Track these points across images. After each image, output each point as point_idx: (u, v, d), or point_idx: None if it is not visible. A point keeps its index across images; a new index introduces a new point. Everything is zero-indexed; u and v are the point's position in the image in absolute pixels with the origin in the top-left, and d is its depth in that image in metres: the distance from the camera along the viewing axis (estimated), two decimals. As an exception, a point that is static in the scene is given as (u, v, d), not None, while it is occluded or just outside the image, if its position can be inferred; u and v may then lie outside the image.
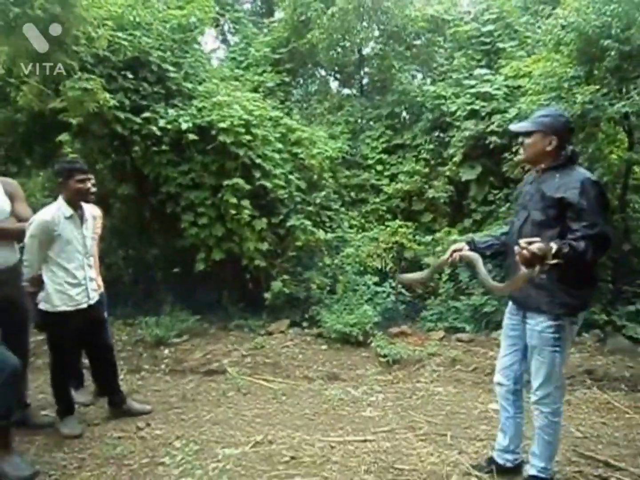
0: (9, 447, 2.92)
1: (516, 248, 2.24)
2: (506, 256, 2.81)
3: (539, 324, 2.54)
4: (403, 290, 6.10)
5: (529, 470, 2.77)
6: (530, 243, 2.19)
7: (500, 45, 6.90)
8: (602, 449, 3.25)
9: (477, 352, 5.09)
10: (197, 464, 3.02)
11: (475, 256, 2.71)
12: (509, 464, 2.89)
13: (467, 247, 2.80)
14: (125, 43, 5.18)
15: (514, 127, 2.82)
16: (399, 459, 3.15)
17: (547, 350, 2.53)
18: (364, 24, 7.29)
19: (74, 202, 3.38)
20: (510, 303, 2.83)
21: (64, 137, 5.52)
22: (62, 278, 3.31)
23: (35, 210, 3.41)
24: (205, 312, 5.99)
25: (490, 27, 7.00)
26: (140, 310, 5.88)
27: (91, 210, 3.65)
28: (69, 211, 3.33)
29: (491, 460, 2.96)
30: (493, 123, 5.95)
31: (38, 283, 3.32)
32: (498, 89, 6.25)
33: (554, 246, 2.24)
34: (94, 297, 3.51)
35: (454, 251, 2.80)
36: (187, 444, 3.27)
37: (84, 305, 3.42)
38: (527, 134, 2.67)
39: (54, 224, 3.23)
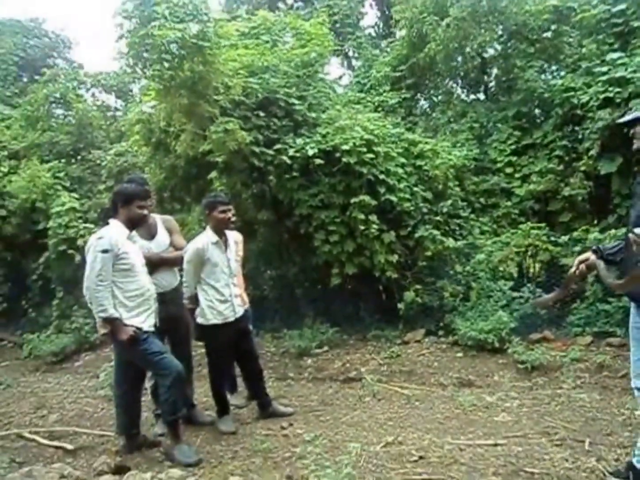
0: (178, 438, 3.51)
1: (630, 236, 2.18)
2: (625, 251, 2.69)
3: (659, 322, 2.41)
4: (543, 294, 5.84)
5: (672, 477, 2.59)
6: None
7: (635, 23, 6.31)
8: None
9: (628, 357, 4.67)
10: (331, 459, 3.30)
11: (596, 261, 2.66)
12: (650, 471, 2.72)
13: (593, 256, 2.74)
14: (256, 86, 5.84)
15: (620, 120, 2.75)
16: (530, 463, 3.12)
17: (671, 351, 2.38)
18: (482, 28, 7.20)
19: (219, 230, 3.94)
20: (632, 302, 2.70)
21: (213, 174, 6.38)
22: (212, 296, 3.88)
23: (189, 240, 4.08)
24: (343, 324, 6.34)
25: (621, 6, 6.44)
26: (285, 324, 6.44)
27: (234, 236, 4.21)
28: (215, 238, 3.90)
29: (631, 466, 2.80)
30: (631, 109, 5.48)
31: (195, 301, 3.94)
32: (635, 71, 5.74)
33: None
34: (240, 311, 4.03)
35: (580, 262, 2.76)
36: (324, 442, 3.57)
37: (231, 319, 3.95)
38: (636, 121, 2.59)
39: (204, 250, 3.82)
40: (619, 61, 6.04)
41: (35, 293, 8.16)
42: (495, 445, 3.39)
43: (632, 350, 2.75)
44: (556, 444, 3.34)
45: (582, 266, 2.76)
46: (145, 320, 3.46)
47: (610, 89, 5.91)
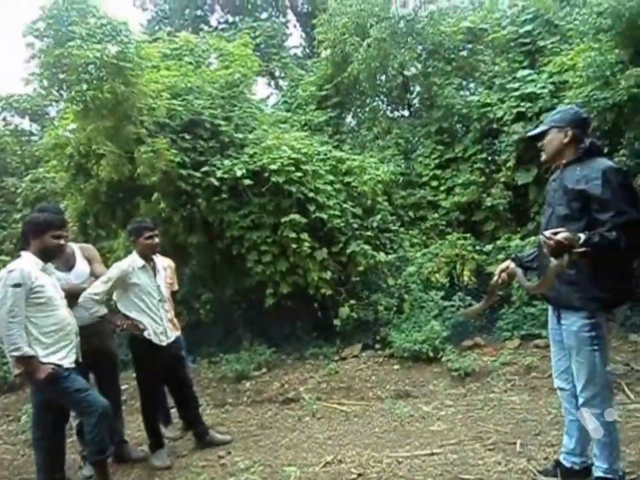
0: (107, 479, 3.30)
1: (540, 237, 2.29)
2: (539, 255, 2.82)
3: (573, 324, 2.54)
4: (473, 302, 6.04)
5: (595, 472, 2.69)
6: (555, 234, 2.25)
7: (541, 43, 6.80)
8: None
9: (553, 357, 4.92)
10: (270, 485, 3.24)
11: (515, 268, 2.82)
12: (576, 467, 2.83)
13: (513, 264, 2.86)
14: (180, 108, 5.74)
15: (530, 133, 2.93)
16: (465, 469, 3.17)
17: (586, 350, 2.51)
18: (402, 47, 7.47)
19: (145, 255, 3.81)
20: (549, 305, 2.84)
21: (138, 199, 6.17)
22: (144, 320, 3.72)
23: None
24: (281, 345, 6.28)
25: (528, 27, 6.93)
26: (222, 348, 6.28)
27: (162, 262, 4.08)
28: (141, 262, 3.76)
29: (558, 464, 2.91)
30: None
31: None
32: (543, 87, 6.16)
33: (582, 236, 2.28)
34: (172, 336, 3.90)
35: (502, 271, 2.88)
36: (263, 469, 3.49)
37: (164, 343, 3.81)
38: (543, 134, 2.75)
39: (127, 271, 3.68)
40: (529, 77, 6.46)
41: (-54, 333, 7.51)
42: (432, 454, 3.43)
43: (552, 352, 2.88)
44: (489, 449, 3.42)
45: (504, 274, 2.89)
46: (65, 356, 3.24)
47: (522, 104, 6.30)
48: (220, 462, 3.72)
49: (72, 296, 3.49)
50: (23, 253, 3.28)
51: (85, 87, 5.46)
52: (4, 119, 10.01)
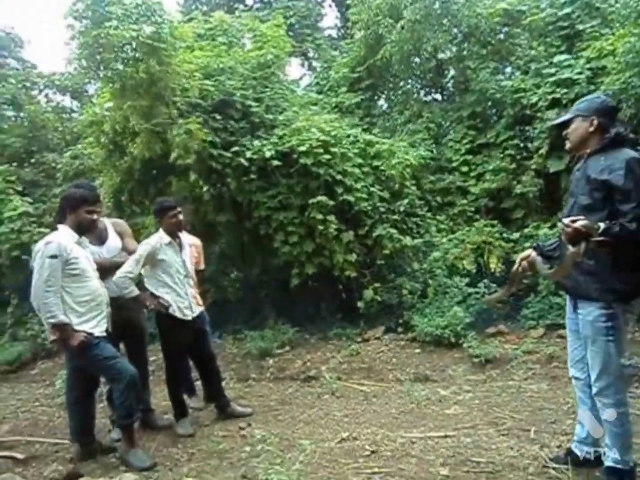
0: (133, 442, 3.49)
1: (559, 224, 2.30)
2: (560, 244, 2.81)
3: (590, 314, 2.54)
4: (498, 290, 6.01)
5: (606, 461, 2.70)
6: (574, 221, 2.26)
7: (580, 27, 6.58)
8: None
9: (576, 347, 4.88)
10: (286, 457, 3.35)
11: (535, 257, 2.82)
12: (587, 456, 2.84)
13: (534, 253, 2.86)
14: (212, 88, 5.84)
15: (555, 121, 2.89)
16: (477, 452, 3.22)
17: (601, 340, 2.51)
18: (436, 30, 7.35)
19: (171, 232, 3.95)
20: (567, 295, 2.83)
21: (171, 177, 6.32)
22: (170, 296, 3.88)
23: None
24: (305, 324, 6.39)
25: (567, 10, 6.71)
26: (247, 325, 6.45)
27: (188, 240, 4.22)
28: (167, 239, 3.91)
29: (569, 452, 2.93)
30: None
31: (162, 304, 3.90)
32: (580, 73, 5.99)
33: (601, 225, 2.28)
34: (196, 311, 4.06)
35: (522, 259, 2.89)
36: (279, 441, 3.61)
37: (189, 317, 3.97)
38: (568, 122, 2.72)
39: (156, 247, 3.83)
40: (566, 63, 6.28)
41: (-12, 301, 7.93)
42: (445, 437, 3.49)
43: (569, 341, 2.87)
44: (503, 434, 3.46)
45: (524, 263, 2.89)
46: (96, 325, 3.42)
47: (558, 90, 6.14)
48: (240, 433, 3.87)
49: (104, 269, 3.65)
50: (60, 226, 3.46)
51: (121, 66, 5.61)
52: (46, 95, 10.33)
